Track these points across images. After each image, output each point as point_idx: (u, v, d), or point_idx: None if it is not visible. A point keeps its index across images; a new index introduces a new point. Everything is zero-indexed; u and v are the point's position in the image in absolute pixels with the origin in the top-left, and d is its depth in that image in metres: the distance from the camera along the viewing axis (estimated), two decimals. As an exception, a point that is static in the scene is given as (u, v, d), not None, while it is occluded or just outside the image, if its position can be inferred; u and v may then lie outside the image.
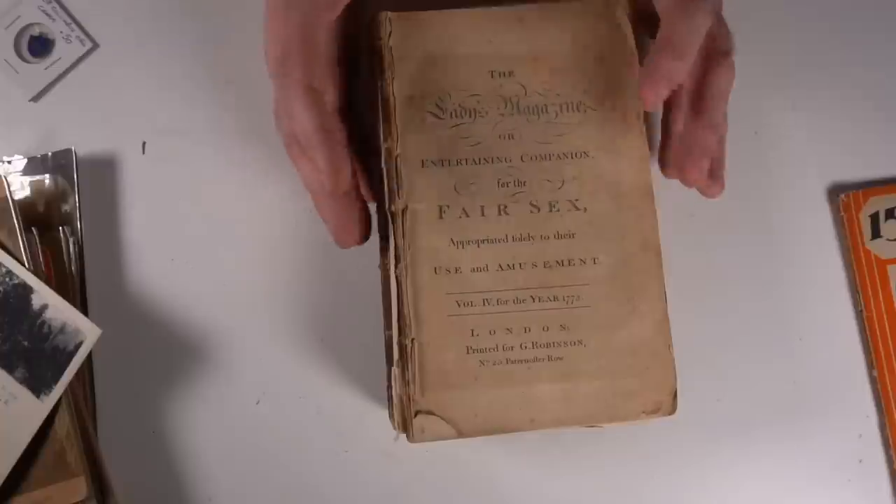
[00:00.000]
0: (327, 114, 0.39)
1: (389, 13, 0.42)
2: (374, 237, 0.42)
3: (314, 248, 0.46)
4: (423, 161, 0.40)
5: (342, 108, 0.44)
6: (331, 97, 0.41)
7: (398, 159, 0.40)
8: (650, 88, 0.39)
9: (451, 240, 0.40)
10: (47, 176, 0.47)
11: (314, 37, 0.39)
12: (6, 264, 0.42)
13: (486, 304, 0.39)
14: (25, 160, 0.47)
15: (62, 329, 0.42)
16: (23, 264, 0.43)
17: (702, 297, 0.46)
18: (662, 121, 0.44)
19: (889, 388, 0.45)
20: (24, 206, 0.45)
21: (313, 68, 0.39)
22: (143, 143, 0.48)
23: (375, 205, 0.42)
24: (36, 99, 0.48)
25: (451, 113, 0.41)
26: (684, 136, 0.42)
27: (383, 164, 0.40)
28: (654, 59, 0.39)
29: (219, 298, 0.46)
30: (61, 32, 0.49)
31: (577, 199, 0.41)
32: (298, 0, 0.39)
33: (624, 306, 0.40)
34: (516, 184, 0.40)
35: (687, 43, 0.39)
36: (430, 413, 0.38)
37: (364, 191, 0.45)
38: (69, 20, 0.49)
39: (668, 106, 0.43)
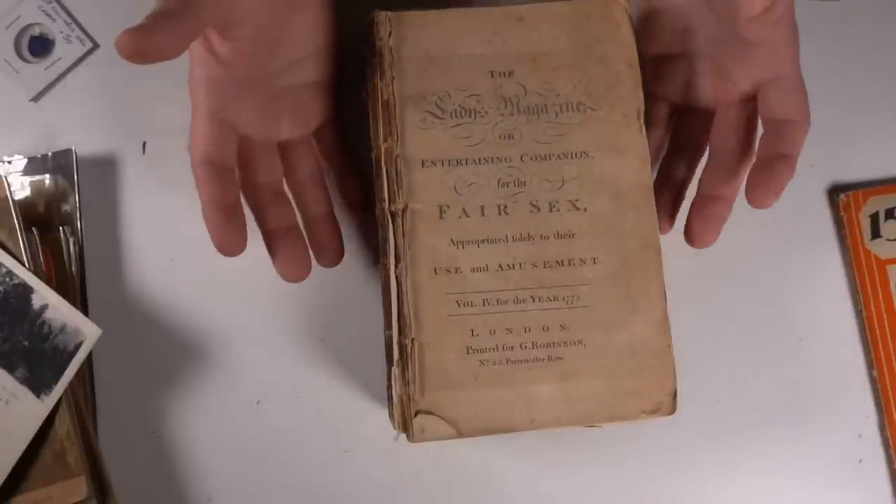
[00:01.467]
0: (220, 184, 0.40)
1: (389, 13, 0.42)
2: (374, 237, 0.42)
3: (314, 248, 0.46)
4: (423, 161, 0.40)
5: (329, 120, 0.44)
6: (286, 127, 0.43)
7: (398, 159, 0.40)
8: (769, 197, 0.39)
9: (451, 240, 0.40)
10: (47, 176, 0.47)
11: (218, 115, 0.40)
12: (6, 264, 0.42)
13: (486, 304, 0.39)
14: (26, 160, 0.47)
15: (62, 329, 0.42)
16: (23, 264, 0.43)
17: (702, 297, 0.46)
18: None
19: (889, 388, 0.45)
20: (25, 206, 0.45)
21: (213, 143, 0.40)
22: (144, 143, 0.48)
23: (375, 205, 0.42)
24: (36, 99, 0.48)
25: (451, 113, 0.41)
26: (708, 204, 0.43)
27: (382, 164, 0.40)
28: (776, 167, 0.39)
29: (219, 298, 0.46)
30: (61, 32, 0.49)
31: (577, 199, 0.41)
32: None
33: (624, 306, 0.40)
34: (516, 184, 0.40)
35: (798, 155, 0.40)
36: (430, 413, 0.38)
37: (350, 197, 0.45)
38: (69, 20, 0.49)
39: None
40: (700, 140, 0.44)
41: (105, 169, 0.47)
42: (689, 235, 0.42)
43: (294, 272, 0.42)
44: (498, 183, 0.40)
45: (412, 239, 0.39)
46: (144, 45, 0.34)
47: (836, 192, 0.48)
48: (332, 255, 0.44)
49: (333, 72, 0.44)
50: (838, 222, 0.48)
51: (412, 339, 0.39)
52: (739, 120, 0.42)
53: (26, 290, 0.42)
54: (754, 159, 0.41)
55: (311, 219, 0.44)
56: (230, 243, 0.40)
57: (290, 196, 0.44)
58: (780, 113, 0.40)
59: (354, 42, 0.44)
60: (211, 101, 0.40)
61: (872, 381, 0.46)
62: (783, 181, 0.39)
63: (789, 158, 0.40)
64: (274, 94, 0.42)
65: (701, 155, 0.44)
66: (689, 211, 0.43)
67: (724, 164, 0.42)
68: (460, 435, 0.38)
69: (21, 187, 0.46)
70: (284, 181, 0.44)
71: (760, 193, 0.39)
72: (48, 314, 0.42)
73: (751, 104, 0.42)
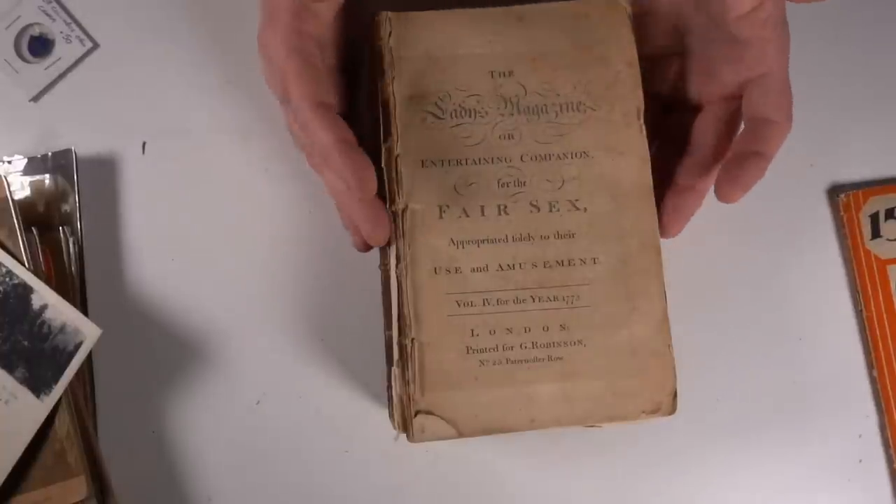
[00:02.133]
0: (341, 125, 0.39)
1: (389, 13, 0.42)
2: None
3: (314, 247, 0.46)
4: (423, 161, 0.40)
5: (344, 113, 0.44)
6: (335, 104, 0.41)
7: (398, 159, 0.40)
8: (736, 192, 0.39)
9: (451, 240, 0.40)
10: (47, 176, 0.47)
11: (305, 49, 0.39)
12: (6, 264, 0.42)
13: (486, 304, 0.39)
14: (25, 160, 0.47)
15: (62, 329, 0.42)
16: (23, 264, 0.43)
17: (702, 297, 0.46)
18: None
19: (889, 388, 0.45)
20: (24, 206, 0.45)
21: (315, 83, 0.39)
22: (144, 143, 0.48)
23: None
24: (36, 99, 0.48)
25: (451, 113, 0.41)
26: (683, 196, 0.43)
27: (383, 164, 0.40)
28: (747, 164, 0.39)
29: (219, 298, 0.46)
30: (61, 32, 0.49)
31: (577, 199, 0.41)
32: (279, 13, 0.39)
33: (624, 306, 0.40)
34: (516, 184, 0.40)
35: (773, 156, 0.40)
36: (430, 413, 0.38)
37: None
38: (69, 20, 0.49)
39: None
40: (686, 135, 0.44)
41: (105, 169, 0.47)
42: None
43: (377, 237, 0.41)
44: (498, 183, 0.40)
45: (412, 239, 0.39)
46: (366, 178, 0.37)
47: (836, 192, 0.48)
48: (387, 231, 0.42)
49: (346, 63, 0.44)
50: (838, 222, 0.48)
51: (412, 339, 0.39)
52: (722, 117, 0.43)
53: (26, 290, 0.42)
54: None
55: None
56: (368, 178, 0.38)
57: None
58: (761, 112, 0.40)
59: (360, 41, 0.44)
60: (302, 51, 0.39)
61: (872, 381, 0.46)
62: (753, 179, 0.40)
63: (763, 157, 0.40)
64: (332, 68, 0.41)
65: (682, 149, 0.44)
66: (661, 200, 0.43)
67: (700, 158, 0.43)
68: (460, 435, 0.38)
69: (21, 187, 0.46)
70: None
71: (727, 188, 0.40)
72: (48, 314, 0.42)
73: (735, 102, 0.42)
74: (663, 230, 0.43)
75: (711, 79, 0.43)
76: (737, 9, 0.39)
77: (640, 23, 0.44)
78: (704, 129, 0.43)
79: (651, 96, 0.45)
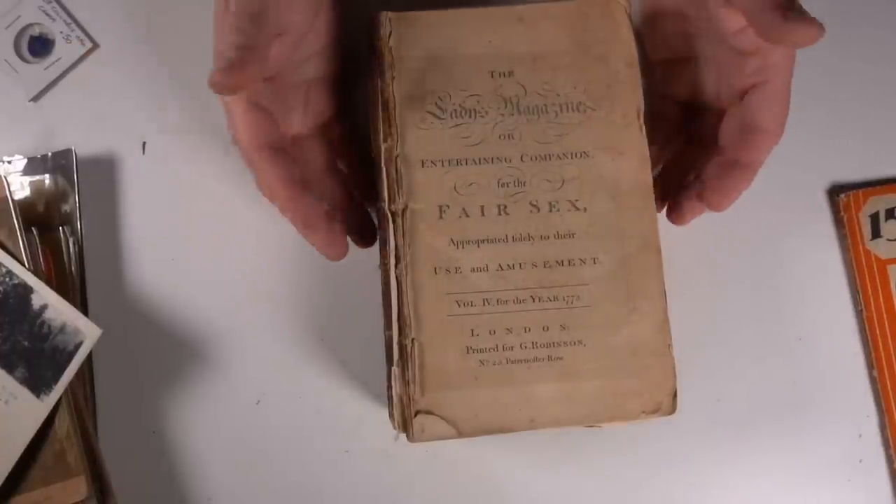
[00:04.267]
0: (285, 165, 0.40)
1: (389, 13, 0.42)
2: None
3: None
4: (423, 161, 0.40)
5: (336, 115, 0.44)
6: (297, 121, 0.42)
7: (398, 159, 0.40)
8: (724, 201, 0.41)
9: (451, 240, 0.40)
10: (47, 176, 0.47)
11: (252, 90, 0.39)
12: (6, 264, 0.42)
13: (486, 304, 0.39)
14: (25, 160, 0.47)
15: (62, 329, 0.42)
16: (23, 264, 0.43)
17: (702, 297, 0.46)
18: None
19: (889, 388, 0.45)
20: (24, 206, 0.45)
21: (258, 127, 0.39)
22: (144, 143, 0.48)
23: (376, 204, 0.42)
24: (36, 99, 0.48)
25: (451, 113, 0.41)
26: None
27: (382, 164, 0.40)
28: (734, 173, 0.41)
29: (219, 298, 0.46)
30: (61, 32, 0.49)
31: (577, 199, 0.41)
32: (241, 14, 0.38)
33: (624, 306, 0.40)
34: (516, 184, 0.40)
35: (760, 166, 0.41)
36: (430, 413, 0.38)
37: (360, 191, 0.45)
38: (69, 20, 0.49)
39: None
40: (712, 137, 0.44)
41: (105, 169, 0.47)
42: (703, 197, 0.42)
43: (331, 253, 0.42)
44: (498, 183, 0.40)
45: (412, 239, 0.39)
46: (237, 81, 0.36)
47: (836, 192, 0.48)
48: (358, 242, 0.44)
49: (338, 68, 0.44)
50: (838, 222, 0.48)
51: (412, 339, 0.39)
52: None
53: (26, 290, 0.42)
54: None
55: (332, 208, 0.44)
56: (312, 216, 0.40)
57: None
58: (753, 119, 0.40)
59: (356, 42, 0.44)
60: (247, 93, 0.39)
61: (872, 381, 0.46)
62: (737, 189, 0.41)
63: (748, 167, 0.40)
64: (287, 88, 0.42)
65: (713, 150, 0.44)
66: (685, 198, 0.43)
67: (728, 161, 0.42)
68: (460, 435, 0.38)
69: (21, 187, 0.46)
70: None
71: (714, 197, 0.41)
72: (48, 314, 0.42)
73: None
74: (713, 204, 0.42)
75: (725, 83, 0.42)
76: (733, 25, 0.39)
77: (651, 27, 0.44)
78: (730, 133, 0.42)
79: (670, 100, 0.45)
